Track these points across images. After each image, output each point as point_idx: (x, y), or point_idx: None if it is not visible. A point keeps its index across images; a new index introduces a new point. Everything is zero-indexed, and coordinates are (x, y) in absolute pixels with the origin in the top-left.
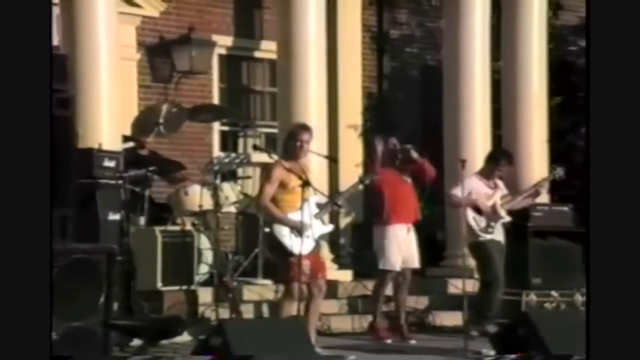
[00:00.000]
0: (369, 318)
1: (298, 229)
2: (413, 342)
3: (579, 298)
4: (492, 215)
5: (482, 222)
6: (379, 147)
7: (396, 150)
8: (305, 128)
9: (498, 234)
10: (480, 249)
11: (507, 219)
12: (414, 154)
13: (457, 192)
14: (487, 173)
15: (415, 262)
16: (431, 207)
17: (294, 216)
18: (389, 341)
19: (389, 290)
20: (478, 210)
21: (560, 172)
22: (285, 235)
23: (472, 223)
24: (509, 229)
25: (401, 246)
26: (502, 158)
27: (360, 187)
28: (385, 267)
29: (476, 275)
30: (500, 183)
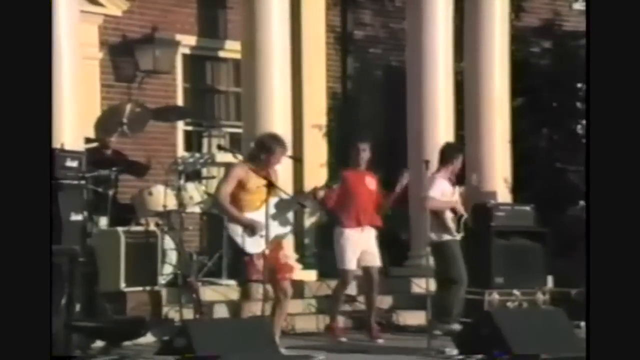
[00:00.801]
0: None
1: (251, 228)
2: (381, 341)
3: (541, 297)
4: (459, 213)
5: (454, 221)
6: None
7: (361, 153)
8: (283, 146)
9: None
10: (446, 249)
11: (466, 215)
12: (403, 180)
13: (435, 194)
14: (447, 171)
15: (375, 260)
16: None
17: (250, 216)
18: (343, 339)
19: (355, 291)
20: (453, 210)
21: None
22: (238, 234)
23: (450, 224)
24: (471, 229)
25: (355, 246)
26: (455, 152)
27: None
28: (342, 266)
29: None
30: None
